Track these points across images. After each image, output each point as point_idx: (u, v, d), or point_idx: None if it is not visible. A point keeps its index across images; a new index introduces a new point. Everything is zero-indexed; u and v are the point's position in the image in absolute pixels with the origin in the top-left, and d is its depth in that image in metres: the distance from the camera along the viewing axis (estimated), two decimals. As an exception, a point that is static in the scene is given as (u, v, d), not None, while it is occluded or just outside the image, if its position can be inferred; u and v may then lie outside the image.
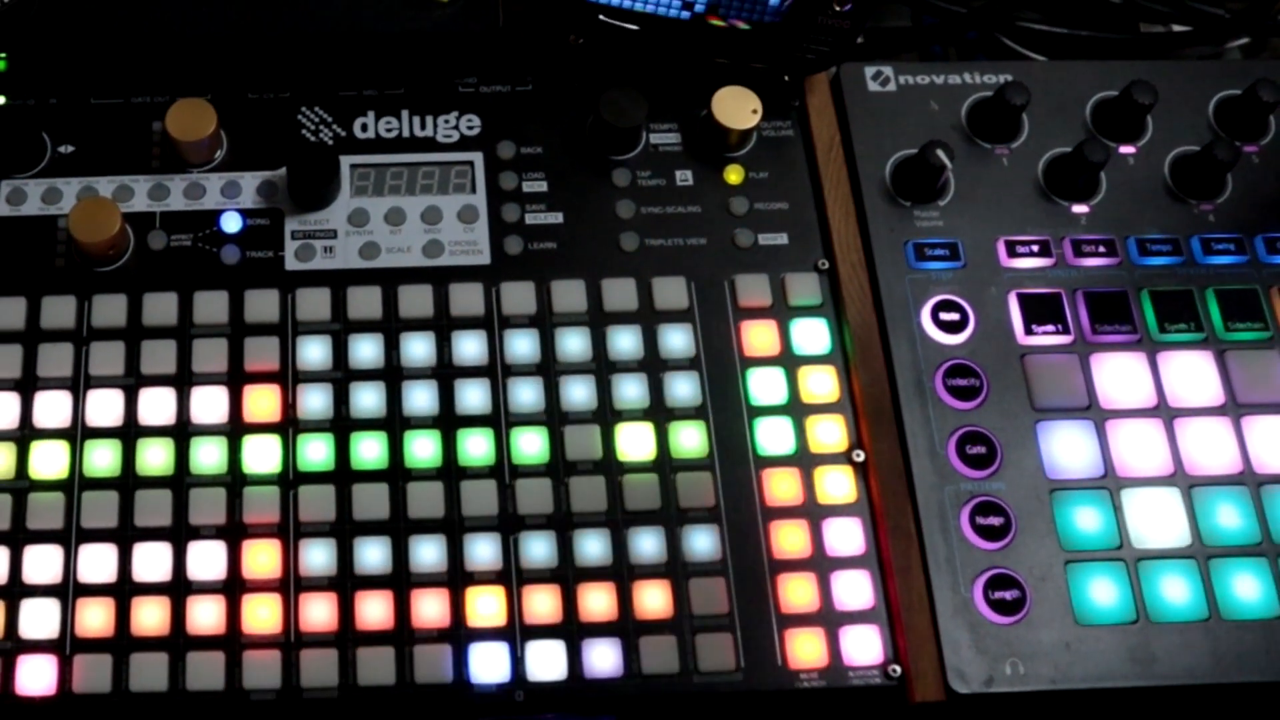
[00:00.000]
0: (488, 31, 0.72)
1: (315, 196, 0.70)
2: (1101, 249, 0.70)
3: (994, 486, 0.65)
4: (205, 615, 0.61)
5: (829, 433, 0.66)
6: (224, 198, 0.71)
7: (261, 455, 0.64)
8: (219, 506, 0.63)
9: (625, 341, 0.67)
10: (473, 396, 0.65)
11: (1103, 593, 0.63)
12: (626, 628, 0.62)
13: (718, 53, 0.72)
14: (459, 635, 0.61)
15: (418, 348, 0.66)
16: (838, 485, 0.65)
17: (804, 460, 0.66)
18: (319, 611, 0.61)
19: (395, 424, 0.65)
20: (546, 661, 0.61)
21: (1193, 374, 0.68)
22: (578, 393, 0.65)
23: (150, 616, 0.61)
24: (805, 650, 0.62)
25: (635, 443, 0.65)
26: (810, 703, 0.62)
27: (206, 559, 0.62)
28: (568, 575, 0.62)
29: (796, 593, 0.63)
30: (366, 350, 0.66)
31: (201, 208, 0.70)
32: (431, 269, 0.69)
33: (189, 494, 0.63)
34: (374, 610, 0.61)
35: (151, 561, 0.62)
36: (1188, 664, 0.62)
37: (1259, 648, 0.62)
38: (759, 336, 0.68)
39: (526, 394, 0.65)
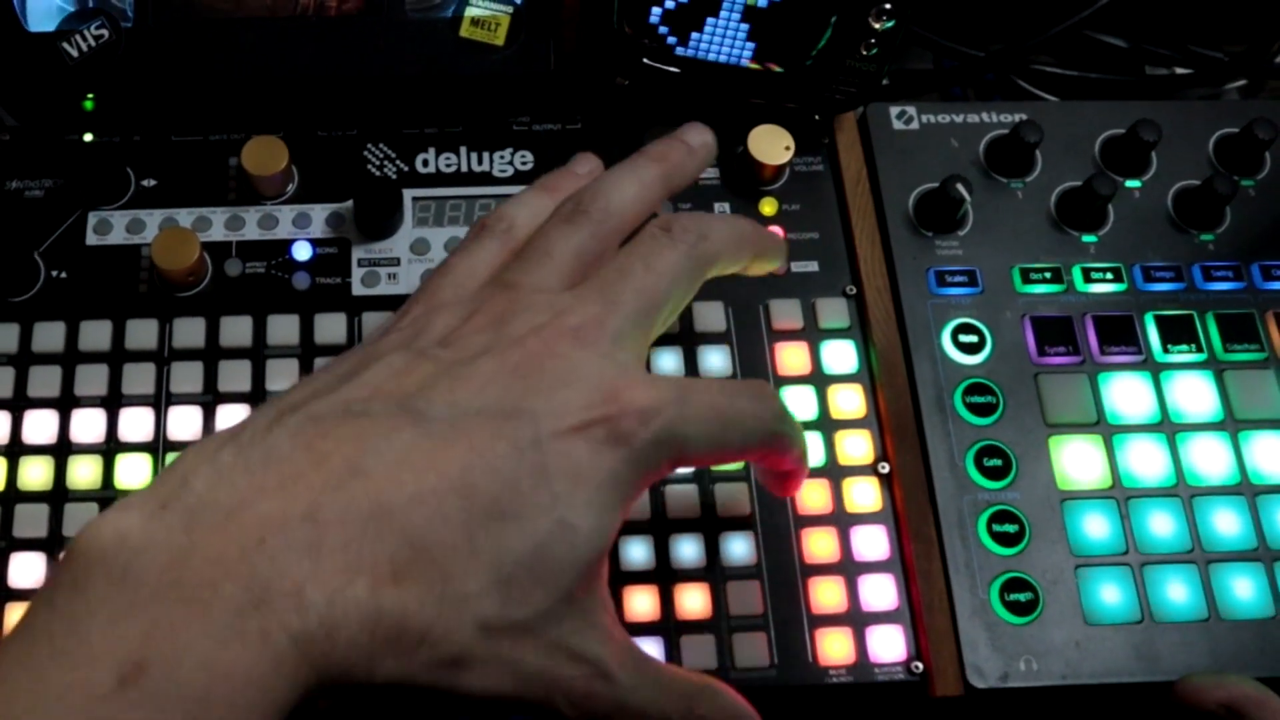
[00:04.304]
0: (540, 74, 0.74)
1: (380, 227, 0.71)
2: (1109, 276, 0.72)
3: (1009, 496, 0.66)
4: (274, 612, 0.63)
5: (856, 446, 0.68)
6: (295, 228, 0.72)
7: (330, 466, 0.66)
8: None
9: (667, 362, 0.68)
10: (525, 413, 0.67)
11: (1110, 595, 0.64)
12: (668, 627, 0.63)
13: (753, 94, 0.74)
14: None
15: (474, 367, 0.68)
16: (864, 495, 0.67)
17: (833, 472, 0.67)
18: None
19: (455, 437, 0.67)
20: (592, 658, 0.63)
21: (1194, 392, 0.69)
22: (623, 410, 0.67)
23: (224, 613, 0.63)
24: (834, 648, 0.63)
25: (674, 456, 0.67)
26: (838, 697, 0.63)
27: (279, 561, 0.64)
28: (614, 579, 0.63)
29: (826, 595, 0.64)
30: (428, 369, 0.68)
31: (274, 237, 0.72)
32: (488, 294, 0.71)
33: (264, 502, 0.65)
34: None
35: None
36: (1189, 660, 0.63)
37: (1255, 645, 0.64)
38: (791, 357, 0.69)
39: (575, 411, 0.67)
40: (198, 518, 0.43)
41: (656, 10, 0.70)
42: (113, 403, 0.67)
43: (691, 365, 0.69)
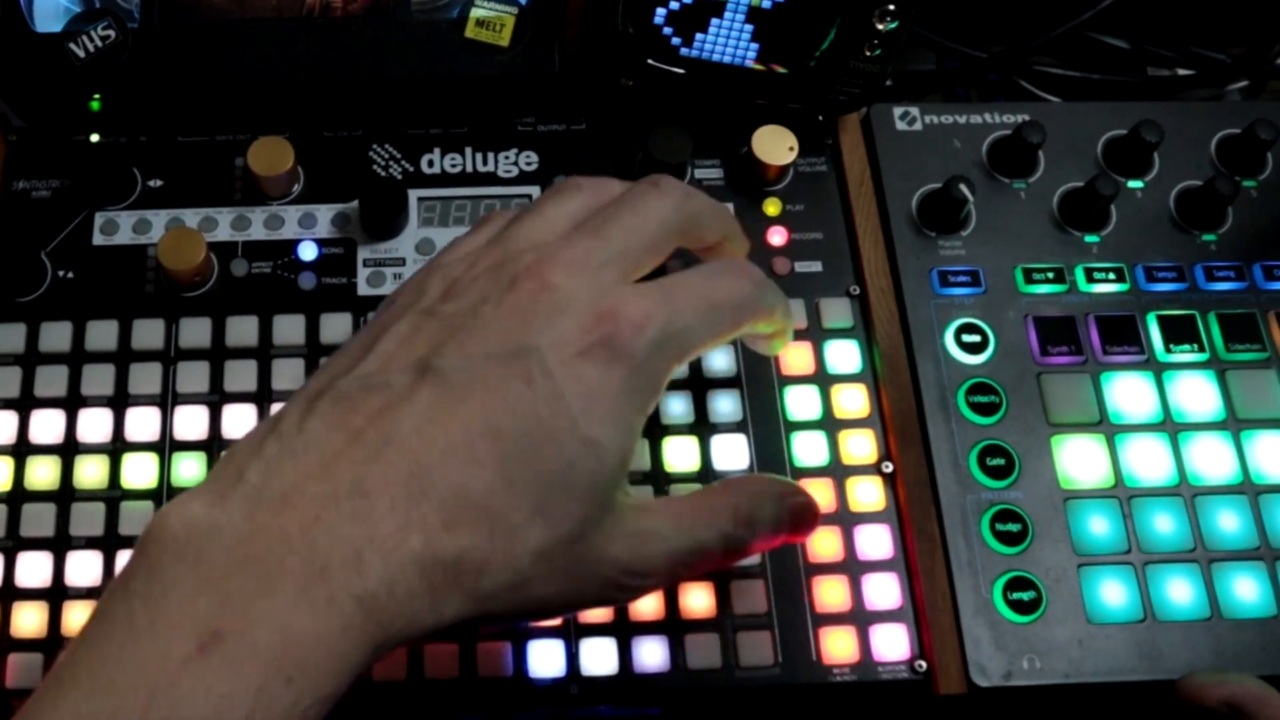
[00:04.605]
0: (545, 75, 0.74)
1: (385, 227, 0.72)
2: (1112, 276, 0.72)
3: (1012, 495, 0.66)
4: (284, 612, 0.63)
5: (860, 446, 0.68)
6: (301, 228, 0.72)
7: (336, 465, 0.67)
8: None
9: (672, 364, 0.69)
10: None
11: (1113, 593, 0.65)
12: (673, 626, 0.63)
13: (757, 95, 0.74)
14: (518, 633, 0.63)
15: (479, 366, 0.68)
16: (868, 494, 0.67)
17: (836, 471, 0.67)
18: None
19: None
20: (599, 657, 0.63)
21: (1196, 392, 0.69)
22: (627, 408, 0.67)
23: (234, 613, 0.63)
24: (838, 647, 0.63)
25: (681, 455, 0.67)
26: (842, 696, 0.64)
27: (285, 562, 0.64)
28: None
29: (830, 593, 0.64)
30: (432, 369, 0.69)
31: (280, 237, 0.72)
32: (492, 294, 0.71)
33: (269, 501, 0.66)
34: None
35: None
36: (1191, 659, 0.63)
37: (1257, 644, 0.64)
38: (795, 357, 0.69)
39: (579, 410, 0.67)
40: (256, 505, 0.46)
41: (661, 11, 0.70)
42: (119, 402, 0.68)
43: (695, 364, 0.69)
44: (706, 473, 0.67)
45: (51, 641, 0.63)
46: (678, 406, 0.68)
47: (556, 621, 0.64)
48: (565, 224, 0.56)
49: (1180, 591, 0.65)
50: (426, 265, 0.57)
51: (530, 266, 0.52)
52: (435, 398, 0.48)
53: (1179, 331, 0.71)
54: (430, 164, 0.75)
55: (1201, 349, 0.71)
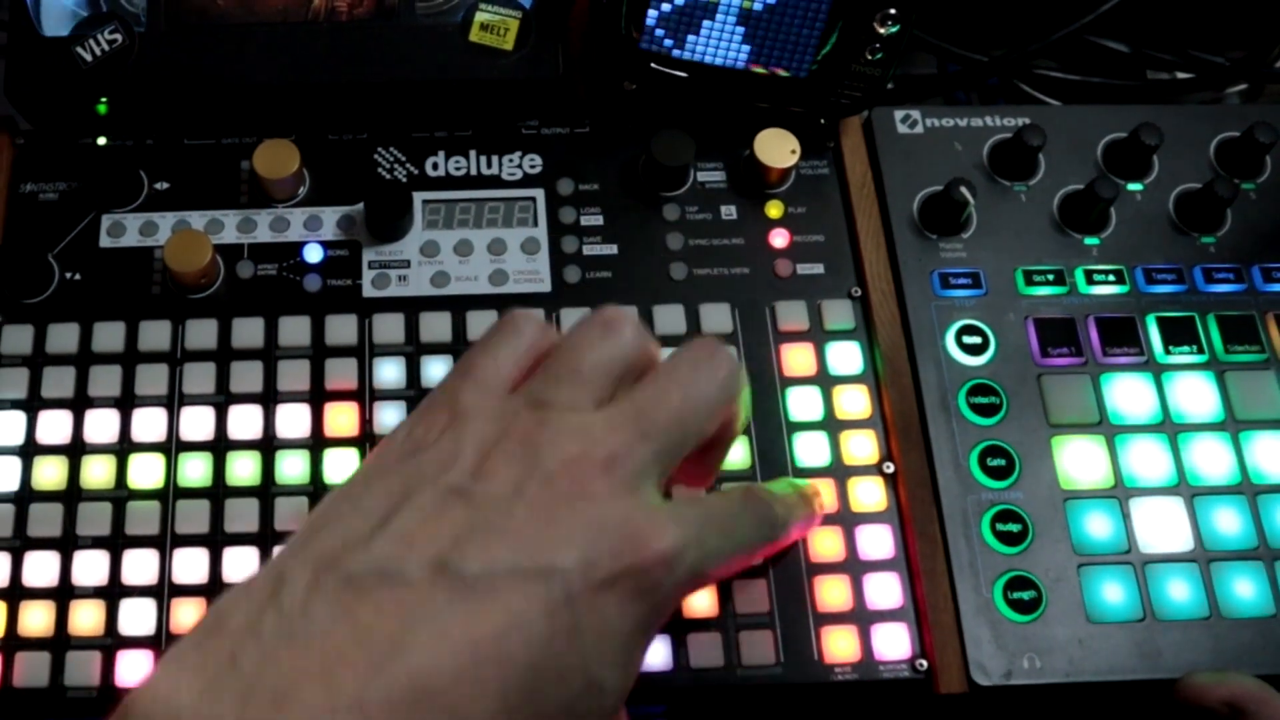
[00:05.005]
0: (548, 79, 0.74)
1: (390, 229, 0.72)
2: (1111, 278, 0.72)
3: (1013, 496, 0.67)
4: (288, 613, 0.64)
5: (861, 446, 0.68)
6: (306, 231, 0.73)
7: (341, 466, 0.66)
8: (302, 513, 0.65)
9: (674, 360, 0.69)
10: (533, 413, 0.67)
11: (1112, 593, 0.65)
12: (676, 625, 0.63)
13: (760, 98, 0.74)
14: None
15: (485, 368, 0.69)
16: (869, 495, 0.67)
17: (838, 471, 0.68)
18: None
19: (463, 438, 0.67)
20: (602, 655, 0.64)
21: (1195, 393, 0.70)
22: (632, 410, 0.67)
23: (239, 614, 0.63)
24: (839, 646, 0.64)
25: (683, 454, 0.67)
26: (844, 695, 0.64)
27: (290, 561, 0.64)
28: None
29: (831, 593, 0.65)
30: (437, 370, 0.68)
31: (286, 240, 0.72)
32: (497, 296, 0.71)
33: (274, 502, 0.65)
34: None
35: (240, 564, 0.64)
36: (1191, 658, 0.64)
37: (1256, 643, 0.64)
38: (797, 358, 0.70)
39: (583, 411, 0.67)
40: (248, 701, 0.44)
41: (652, 14, 0.71)
42: (126, 403, 0.68)
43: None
44: (707, 473, 0.67)
45: (58, 641, 0.63)
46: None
47: None
48: (603, 381, 0.53)
49: (1180, 591, 0.65)
50: (444, 397, 0.53)
51: (569, 465, 0.49)
52: (450, 606, 0.46)
53: (1178, 333, 0.71)
54: (435, 167, 0.75)
55: (1201, 350, 0.71)
